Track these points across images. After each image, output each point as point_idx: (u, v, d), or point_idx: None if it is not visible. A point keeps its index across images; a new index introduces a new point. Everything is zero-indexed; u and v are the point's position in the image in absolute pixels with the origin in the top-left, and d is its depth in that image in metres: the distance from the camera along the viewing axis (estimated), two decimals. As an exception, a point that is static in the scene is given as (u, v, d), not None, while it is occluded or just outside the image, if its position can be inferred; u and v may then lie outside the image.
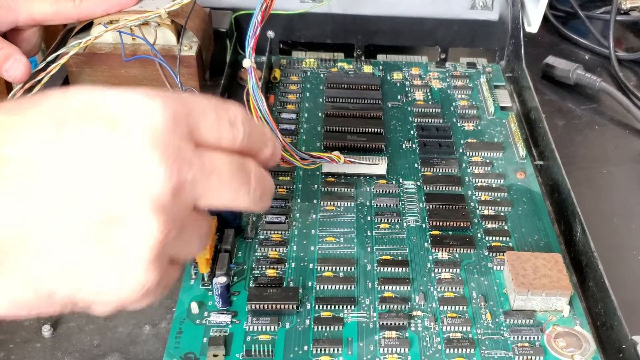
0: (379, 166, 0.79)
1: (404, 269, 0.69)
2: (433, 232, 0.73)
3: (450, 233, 0.73)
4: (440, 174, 0.81)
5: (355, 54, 1.03)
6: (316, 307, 0.65)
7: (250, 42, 0.70)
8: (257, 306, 0.64)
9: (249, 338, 0.62)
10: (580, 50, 1.09)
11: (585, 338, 0.63)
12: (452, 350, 0.62)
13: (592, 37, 1.10)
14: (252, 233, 0.72)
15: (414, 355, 0.61)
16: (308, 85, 0.95)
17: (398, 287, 0.67)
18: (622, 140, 0.91)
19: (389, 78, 0.98)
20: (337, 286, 0.67)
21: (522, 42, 0.97)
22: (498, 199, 0.78)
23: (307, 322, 0.64)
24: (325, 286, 0.67)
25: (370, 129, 0.86)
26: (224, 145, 0.46)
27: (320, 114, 0.89)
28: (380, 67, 1.00)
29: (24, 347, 0.61)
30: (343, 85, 0.93)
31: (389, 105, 0.92)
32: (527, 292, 0.64)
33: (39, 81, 0.72)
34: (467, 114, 0.91)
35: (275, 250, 0.71)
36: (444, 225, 0.74)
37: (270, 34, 0.95)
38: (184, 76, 0.80)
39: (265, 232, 0.72)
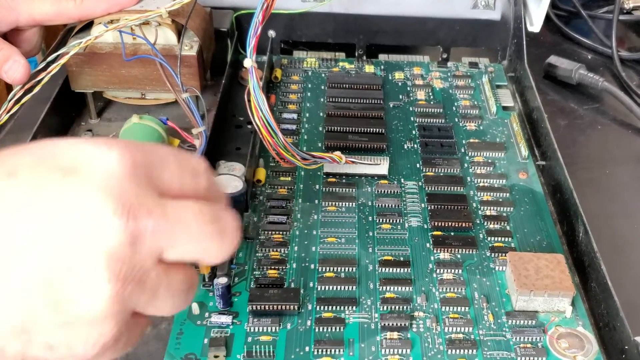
0: (380, 166, 0.79)
1: (405, 269, 0.69)
2: (435, 233, 0.73)
3: (452, 233, 0.73)
4: (442, 174, 0.81)
5: (356, 54, 1.03)
6: (317, 308, 0.65)
7: (251, 42, 0.70)
8: (258, 307, 0.64)
9: (250, 339, 0.62)
10: (582, 49, 1.09)
11: (588, 339, 0.63)
12: (454, 351, 0.62)
13: (595, 37, 1.10)
14: (253, 234, 0.72)
15: (415, 356, 0.61)
16: (309, 85, 0.95)
17: (400, 288, 0.67)
18: (624, 141, 0.91)
19: (390, 78, 0.98)
20: (339, 287, 0.67)
21: (524, 42, 0.96)
22: (500, 200, 0.78)
23: (309, 322, 0.64)
24: (327, 287, 0.67)
25: (371, 129, 0.85)
26: (190, 195, 0.44)
27: (321, 114, 0.89)
28: (382, 67, 1.00)
29: None
30: (344, 85, 0.93)
31: (391, 105, 0.92)
32: (530, 293, 0.64)
33: (39, 81, 0.72)
34: (469, 114, 0.91)
35: (277, 251, 0.71)
36: (446, 225, 0.74)
37: (272, 33, 0.95)
38: (185, 76, 0.80)
39: (267, 233, 0.72)
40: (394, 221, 0.75)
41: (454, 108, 0.92)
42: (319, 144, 0.85)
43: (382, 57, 1.03)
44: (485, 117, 0.91)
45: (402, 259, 0.70)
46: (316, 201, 0.77)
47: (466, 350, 0.62)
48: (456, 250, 0.71)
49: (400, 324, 0.64)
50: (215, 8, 0.93)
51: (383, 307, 0.65)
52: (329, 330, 0.63)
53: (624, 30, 1.13)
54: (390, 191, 0.78)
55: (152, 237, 0.40)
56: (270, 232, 0.72)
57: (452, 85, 0.97)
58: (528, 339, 0.63)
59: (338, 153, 0.77)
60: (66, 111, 0.86)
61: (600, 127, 0.92)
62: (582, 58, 1.06)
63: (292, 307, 0.64)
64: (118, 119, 0.87)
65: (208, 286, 0.66)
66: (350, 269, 0.69)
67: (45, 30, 0.81)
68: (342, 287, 0.67)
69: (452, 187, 0.79)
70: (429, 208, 0.76)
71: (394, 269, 0.69)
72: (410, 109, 0.92)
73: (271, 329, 0.63)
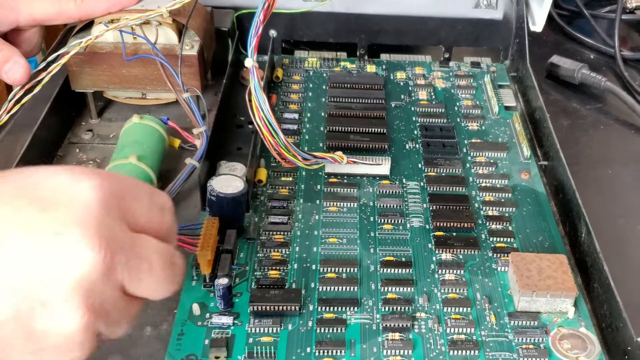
0: (382, 166, 0.79)
1: (407, 270, 0.69)
2: (437, 233, 0.73)
3: (454, 234, 0.73)
4: (444, 174, 0.81)
5: (358, 53, 1.02)
6: (319, 309, 0.65)
7: (253, 41, 0.70)
8: (259, 308, 0.63)
9: (251, 340, 0.62)
10: (585, 49, 1.08)
11: (591, 340, 0.62)
12: (456, 352, 0.62)
13: (597, 36, 1.09)
14: (254, 234, 0.72)
15: (417, 357, 0.61)
16: (311, 85, 0.95)
17: (401, 289, 0.67)
18: (627, 141, 0.90)
19: (392, 78, 0.98)
20: (340, 287, 0.67)
21: (526, 42, 0.96)
22: (502, 200, 0.78)
23: (310, 323, 0.64)
24: (328, 287, 0.67)
25: (373, 129, 0.85)
26: (152, 231, 0.46)
27: (323, 114, 0.89)
28: (384, 67, 1.00)
29: None
30: (346, 85, 0.93)
31: (392, 105, 0.92)
32: (532, 294, 0.64)
33: (40, 81, 0.72)
34: (471, 113, 0.91)
35: (278, 251, 0.70)
36: (448, 226, 0.74)
37: (273, 33, 0.95)
38: (186, 76, 0.80)
39: (268, 233, 0.72)
40: (396, 221, 0.74)
41: (456, 108, 0.92)
42: (320, 144, 0.84)
43: (384, 56, 1.03)
44: (487, 117, 0.90)
45: (403, 259, 0.70)
46: (317, 201, 0.76)
47: (468, 351, 0.62)
48: (458, 250, 0.71)
49: (402, 325, 0.63)
50: (216, 7, 0.93)
51: (385, 308, 0.65)
52: (331, 331, 0.63)
53: (626, 30, 1.13)
54: (392, 191, 0.78)
55: (122, 271, 0.42)
56: (271, 233, 0.72)
57: (454, 85, 0.96)
58: (530, 339, 0.63)
59: (339, 153, 0.76)
60: (66, 111, 0.86)
61: (603, 127, 0.92)
62: (585, 58, 1.05)
63: (293, 307, 0.64)
64: (118, 118, 0.87)
65: (209, 287, 0.66)
66: (352, 269, 0.69)
67: (46, 30, 0.81)
68: (344, 287, 0.67)
69: (454, 188, 0.79)
70: (431, 208, 0.76)
71: (396, 270, 0.69)
72: (412, 108, 0.91)
73: (272, 329, 0.63)
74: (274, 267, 0.69)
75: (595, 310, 0.67)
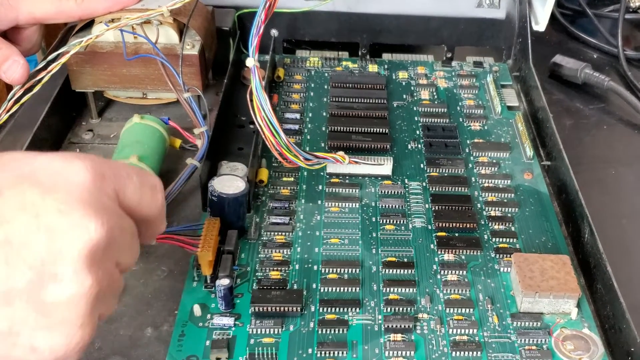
0: (384, 167, 0.79)
1: (409, 270, 0.69)
2: (439, 234, 0.73)
3: (457, 234, 0.73)
4: (446, 174, 0.81)
5: (360, 53, 1.02)
6: (320, 310, 0.65)
7: (254, 41, 0.70)
8: (261, 308, 0.63)
9: (252, 341, 0.62)
10: (588, 49, 1.08)
11: (594, 341, 0.62)
12: (458, 353, 0.61)
13: (601, 36, 1.09)
14: (256, 234, 0.71)
15: (419, 358, 0.61)
16: (312, 85, 0.95)
17: (403, 289, 0.67)
18: (630, 141, 0.90)
19: (394, 77, 0.97)
20: (342, 288, 0.67)
21: (529, 41, 0.96)
22: (505, 200, 0.77)
23: (312, 324, 0.63)
24: (330, 288, 0.67)
25: (375, 129, 0.85)
26: (144, 211, 0.50)
27: (324, 114, 0.89)
28: (386, 66, 1.00)
29: None
30: (348, 85, 0.93)
31: (395, 105, 0.92)
32: (535, 295, 0.64)
33: (40, 80, 0.72)
34: (474, 113, 0.91)
35: (279, 252, 0.70)
36: (450, 226, 0.73)
37: (274, 32, 0.95)
38: (187, 75, 0.80)
39: (269, 234, 0.72)
40: (398, 222, 0.74)
41: (458, 108, 0.91)
42: (322, 144, 0.84)
43: (386, 56, 1.03)
44: (489, 117, 0.90)
45: (405, 260, 0.70)
46: (319, 202, 0.76)
47: (471, 352, 0.61)
48: (460, 251, 0.71)
49: (404, 326, 0.63)
50: (218, 7, 0.93)
51: (387, 309, 0.65)
52: (332, 332, 0.63)
53: (630, 29, 1.13)
54: (394, 192, 0.78)
55: (116, 244, 0.45)
56: (272, 233, 0.72)
57: (457, 84, 0.96)
58: (533, 340, 0.63)
59: (341, 153, 0.76)
60: (67, 111, 0.86)
61: (606, 127, 0.92)
62: (588, 57, 1.05)
63: (294, 308, 0.64)
64: (119, 118, 0.87)
65: (210, 287, 0.66)
66: (354, 270, 0.69)
67: (46, 29, 0.81)
68: (345, 288, 0.67)
69: (457, 188, 0.78)
70: (433, 209, 0.75)
71: (398, 270, 0.69)
72: (414, 108, 0.91)
73: (274, 330, 0.63)
74: (275, 268, 0.68)
75: (599, 311, 0.67)
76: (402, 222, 0.74)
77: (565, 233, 0.75)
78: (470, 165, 0.82)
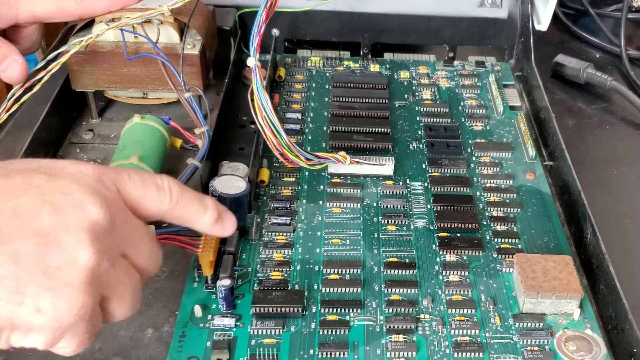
0: (385, 167, 0.79)
1: (411, 271, 0.69)
2: (441, 234, 0.73)
3: (459, 235, 0.73)
4: (448, 174, 0.80)
5: (361, 53, 1.02)
6: (322, 310, 0.64)
7: (255, 41, 0.69)
8: (262, 309, 0.63)
9: (253, 342, 0.62)
10: (590, 48, 1.08)
11: (596, 342, 0.62)
12: (460, 354, 0.61)
13: (603, 35, 1.09)
14: (257, 235, 0.71)
15: (421, 359, 0.61)
16: (313, 85, 0.94)
17: (405, 290, 0.67)
18: (633, 140, 0.90)
19: (396, 77, 0.97)
20: (343, 289, 0.67)
21: (531, 41, 0.96)
22: (507, 200, 0.77)
23: (313, 325, 0.63)
24: (331, 289, 0.67)
25: (377, 129, 0.85)
26: (152, 207, 0.53)
27: (326, 114, 0.89)
28: (387, 66, 0.99)
29: (24, 350, 0.60)
30: (349, 85, 0.93)
31: (396, 105, 0.92)
32: (537, 295, 0.64)
33: (40, 80, 0.71)
34: (476, 113, 0.90)
35: (280, 253, 0.70)
36: (452, 226, 0.73)
37: (275, 32, 0.95)
38: (187, 75, 0.80)
39: (270, 234, 0.72)
40: (400, 222, 0.74)
41: (460, 108, 0.91)
42: (324, 144, 0.84)
43: (388, 56, 1.02)
44: (492, 116, 0.90)
45: (407, 260, 0.70)
46: (320, 202, 0.76)
47: (473, 353, 0.61)
48: (462, 251, 0.71)
49: (406, 327, 0.63)
50: (218, 6, 0.93)
51: (388, 310, 0.65)
52: (334, 333, 0.63)
53: (632, 29, 1.12)
54: (396, 192, 0.78)
55: (119, 231, 0.49)
56: (273, 234, 0.72)
57: (459, 84, 0.96)
58: (535, 341, 0.63)
59: (343, 153, 0.76)
60: (67, 111, 0.86)
61: (609, 127, 0.92)
62: (590, 57, 1.05)
63: (296, 309, 0.64)
64: (119, 118, 0.87)
65: (211, 288, 0.66)
66: (355, 270, 0.68)
67: (46, 29, 0.81)
68: (347, 289, 0.67)
69: (459, 188, 0.78)
70: (435, 209, 0.75)
71: (400, 271, 0.69)
72: (416, 108, 0.91)
73: (275, 331, 0.62)
74: (276, 269, 0.68)
75: (601, 312, 0.66)
76: (403, 223, 0.74)
77: (568, 233, 0.75)
78: (472, 166, 0.82)
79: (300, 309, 0.63)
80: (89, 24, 0.80)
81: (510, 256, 0.70)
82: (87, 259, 0.46)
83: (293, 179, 0.79)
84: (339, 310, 0.64)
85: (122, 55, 0.78)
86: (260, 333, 0.62)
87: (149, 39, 0.77)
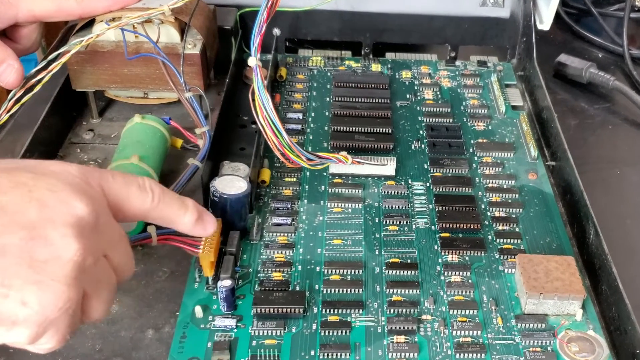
0: (387, 167, 0.78)
1: (413, 272, 0.68)
2: (443, 235, 0.72)
3: (460, 235, 0.72)
4: (450, 174, 0.80)
5: (363, 52, 1.02)
6: (323, 311, 0.64)
7: (256, 40, 0.69)
8: (263, 310, 0.63)
9: (254, 343, 0.61)
10: (593, 48, 1.08)
11: (599, 343, 0.62)
12: (462, 355, 0.61)
13: (606, 35, 1.09)
14: (258, 235, 0.71)
15: (423, 360, 0.61)
16: (315, 84, 0.94)
17: (407, 291, 0.67)
18: (636, 140, 0.90)
19: (397, 77, 0.97)
20: (345, 289, 0.66)
21: (533, 40, 0.96)
22: (509, 201, 0.77)
23: (314, 326, 0.63)
24: (333, 289, 0.66)
25: (378, 129, 0.85)
26: (135, 206, 0.55)
27: (327, 114, 0.89)
28: (389, 66, 0.99)
29: (24, 351, 0.60)
30: (351, 84, 0.92)
31: (398, 105, 0.91)
32: (539, 296, 0.64)
33: (40, 80, 0.71)
34: (478, 113, 0.90)
35: (281, 253, 0.70)
36: (454, 227, 0.73)
37: (276, 31, 0.95)
38: (188, 75, 0.79)
39: (271, 235, 0.72)
40: (401, 223, 0.74)
41: (462, 107, 0.91)
42: (325, 144, 0.84)
43: (389, 55, 1.02)
44: (494, 116, 0.90)
45: (409, 261, 0.70)
46: (322, 202, 0.76)
47: (475, 354, 0.61)
48: (464, 252, 0.71)
49: (408, 328, 0.63)
50: (219, 6, 0.93)
51: (390, 310, 0.65)
52: (335, 333, 0.62)
53: (635, 28, 1.12)
54: (397, 192, 0.77)
55: (101, 233, 0.50)
56: (275, 234, 0.72)
57: (461, 84, 0.96)
58: (538, 342, 0.62)
59: (344, 153, 0.76)
60: (67, 111, 0.86)
61: (611, 127, 0.92)
62: (593, 56, 1.05)
63: (297, 310, 0.63)
64: (120, 118, 0.87)
65: (212, 289, 0.66)
66: (357, 271, 0.68)
67: (46, 28, 0.81)
68: (348, 289, 0.66)
69: (460, 188, 0.78)
70: (437, 209, 0.75)
71: (401, 272, 0.68)
72: (418, 108, 0.91)
73: (276, 332, 0.62)
74: (277, 269, 0.68)
75: (604, 313, 0.66)
76: (405, 223, 0.74)
77: (570, 234, 0.75)
78: (474, 166, 0.81)
79: (301, 310, 0.63)
80: (89, 23, 0.80)
81: (513, 257, 0.69)
82: (72, 253, 0.47)
83: (294, 179, 0.78)
84: (340, 311, 0.64)
85: (123, 55, 0.78)
86: (261, 334, 0.62)
87: (150, 38, 0.77)
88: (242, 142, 0.80)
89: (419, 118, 0.89)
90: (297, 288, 0.66)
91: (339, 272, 0.68)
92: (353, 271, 0.68)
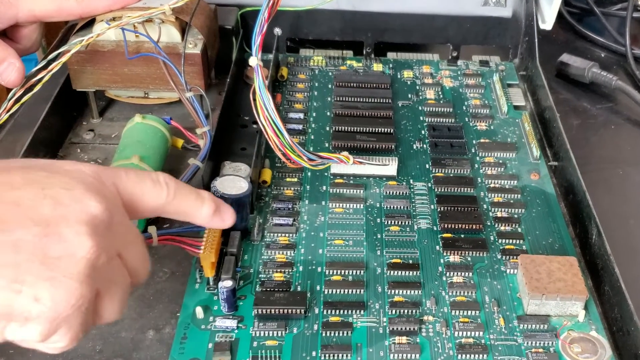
0: (389, 167, 0.78)
1: (414, 272, 0.68)
2: (444, 235, 0.72)
3: (462, 236, 0.72)
4: (452, 175, 0.80)
5: (364, 52, 1.01)
6: (324, 312, 0.64)
7: (257, 40, 0.69)
8: (264, 311, 0.63)
9: (255, 344, 0.61)
10: (595, 47, 1.08)
11: (601, 344, 0.62)
12: (464, 356, 0.61)
13: (608, 35, 1.09)
14: (259, 236, 0.71)
15: (424, 361, 0.61)
16: (316, 84, 0.94)
17: (408, 291, 0.66)
18: (639, 141, 0.90)
19: (399, 76, 0.97)
20: (346, 290, 0.66)
21: (536, 40, 0.95)
22: (511, 201, 0.77)
23: (315, 327, 0.63)
24: (334, 290, 0.66)
25: (380, 129, 0.84)
26: (150, 202, 0.54)
27: (328, 114, 0.88)
28: (391, 65, 0.99)
29: (24, 352, 0.61)
30: (352, 84, 0.92)
31: (400, 105, 0.91)
32: (541, 297, 0.63)
33: (40, 80, 0.71)
34: (480, 113, 0.90)
35: (283, 254, 0.70)
36: (456, 227, 0.73)
37: (277, 31, 0.95)
38: (189, 74, 0.79)
39: (272, 235, 0.71)
40: (403, 223, 0.74)
41: (464, 107, 0.91)
42: (326, 144, 0.84)
43: (391, 55, 1.02)
44: (496, 116, 0.90)
45: (411, 261, 0.69)
46: (323, 203, 0.76)
47: (477, 355, 0.61)
48: (466, 252, 0.70)
49: (409, 328, 0.63)
50: (220, 5, 0.92)
51: (391, 311, 0.64)
52: (337, 334, 0.62)
53: (638, 28, 1.12)
54: (399, 192, 0.77)
55: (116, 231, 0.50)
56: (276, 234, 0.72)
57: (462, 84, 0.95)
58: (540, 343, 0.62)
59: (345, 153, 0.76)
60: (67, 110, 0.86)
61: (614, 127, 0.92)
62: (595, 56, 1.05)
63: (298, 311, 0.63)
64: (120, 118, 0.87)
65: (212, 289, 0.65)
66: (358, 272, 0.68)
67: (46, 28, 0.81)
68: (350, 290, 0.66)
69: (462, 188, 0.78)
70: (439, 210, 0.75)
71: (403, 272, 0.68)
72: (420, 108, 0.91)
73: (277, 333, 0.62)
74: (278, 270, 0.68)
75: (606, 314, 0.66)
76: (407, 223, 0.74)
77: (573, 234, 0.74)
78: (476, 166, 0.81)
79: (302, 311, 0.63)
80: (89, 23, 0.80)
81: (515, 257, 0.69)
82: (86, 251, 0.46)
83: (295, 180, 0.78)
84: (341, 311, 0.64)
85: (123, 55, 0.78)
86: (262, 335, 0.62)
87: (150, 38, 0.77)
88: (243, 142, 0.80)
89: (421, 118, 0.89)
90: (299, 289, 0.66)
91: (341, 272, 0.68)
92: (354, 272, 0.68)
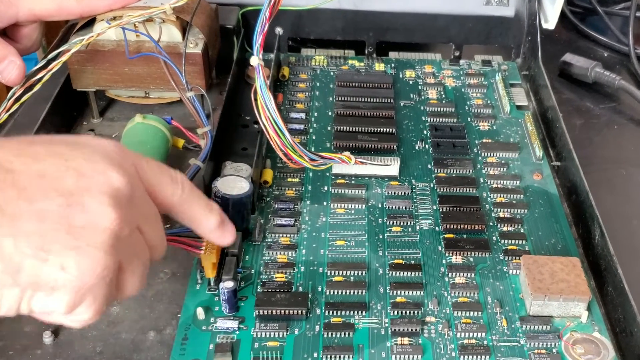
0: (391, 167, 0.78)
1: (416, 273, 0.68)
2: (447, 235, 0.72)
3: (465, 236, 0.72)
4: (454, 175, 0.80)
5: (366, 52, 1.01)
6: (326, 313, 0.64)
7: (258, 39, 0.69)
8: (265, 312, 0.63)
9: (256, 345, 0.61)
10: (598, 47, 1.08)
11: (604, 345, 0.61)
12: (466, 357, 0.61)
13: (611, 34, 1.09)
14: (260, 236, 0.71)
15: (427, 362, 0.60)
16: (318, 84, 0.94)
17: (411, 292, 0.66)
18: (642, 141, 0.90)
19: (401, 76, 0.97)
20: (348, 291, 0.66)
21: (538, 39, 0.95)
22: (514, 201, 0.77)
23: (317, 328, 0.63)
24: (336, 291, 0.66)
25: (382, 129, 0.84)
26: (164, 196, 0.55)
27: (330, 114, 0.88)
28: (393, 65, 0.99)
29: (24, 354, 0.61)
30: (354, 84, 0.92)
31: (402, 105, 0.91)
32: (544, 297, 0.63)
33: (40, 79, 0.71)
34: (482, 113, 0.90)
35: (284, 254, 0.69)
36: (458, 228, 0.73)
37: (279, 30, 0.94)
38: (190, 74, 0.79)
39: (274, 236, 0.71)
40: (405, 223, 0.73)
41: (466, 107, 0.91)
42: (328, 144, 0.84)
43: (393, 54, 1.02)
44: (498, 116, 0.89)
45: (413, 262, 0.69)
46: (325, 203, 0.76)
47: (479, 356, 0.61)
48: (469, 253, 0.70)
49: (411, 329, 0.62)
50: (221, 4, 0.92)
51: (393, 312, 0.64)
52: (338, 335, 0.62)
53: (641, 27, 1.12)
54: (401, 193, 0.77)
55: (138, 207, 0.51)
56: (277, 235, 0.71)
57: (465, 83, 0.95)
58: (543, 344, 0.62)
59: (347, 153, 0.75)
60: (67, 110, 0.86)
61: (617, 127, 0.91)
62: (598, 56, 1.05)
63: (300, 311, 0.63)
64: (121, 118, 0.87)
65: (213, 290, 0.65)
66: (360, 272, 0.68)
67: (47, 27, 0.80)
68: (352, 291, 0.66)
69: (465, 189, 0.78)
70: (441, 210, 0.75)
71: (405, 273, 0.68)
72: (422, 108, 0.90)
73: (278, 334, 0.62)
74: (280, 270, 0.68)
75: (609, 315, 0.66)
76: (409, 224, 0.73)
77: (576, 235, 0.74)
78: (478, 166, 0.81)
79: (304, 312, 0.63)
80: (89, 22, 0.80)
81: (517, 258, 0.69)
82: (110, 222, 0.47)
83: (297, 180, 0.78)
84: (343, 312, 0.64)
85: (124, 54, 0.78)
86: (263, 336, 0.62)
87: (151, 37, 0.77)
88: (244, 142, 0.80)
89: (423, 118, 0.89)
90: (300, 289, 0.66)
91: (342, 273, 0.68)
92: (356, 272, 0.68)
